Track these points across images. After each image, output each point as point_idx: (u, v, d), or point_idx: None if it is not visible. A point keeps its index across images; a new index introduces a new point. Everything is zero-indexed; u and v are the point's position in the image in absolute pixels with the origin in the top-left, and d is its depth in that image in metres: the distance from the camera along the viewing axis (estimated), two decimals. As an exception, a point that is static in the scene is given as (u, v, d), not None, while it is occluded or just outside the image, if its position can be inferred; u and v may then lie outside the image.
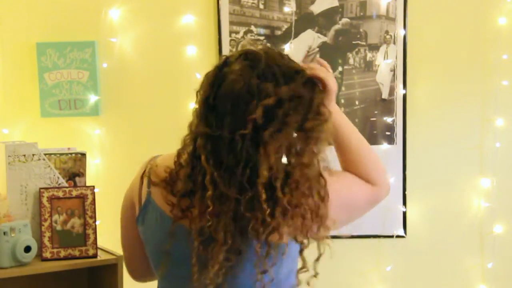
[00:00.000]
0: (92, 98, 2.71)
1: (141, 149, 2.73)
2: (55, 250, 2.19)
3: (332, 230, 1.44)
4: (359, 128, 2.71)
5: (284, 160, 1.41)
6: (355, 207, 1.56)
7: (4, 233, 2.07)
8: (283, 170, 1.38)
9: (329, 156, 1.45)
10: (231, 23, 2.73)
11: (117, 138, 2.76)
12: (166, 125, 2.75)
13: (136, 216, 1.54)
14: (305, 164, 1.40)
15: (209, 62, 2.70)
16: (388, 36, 2.74)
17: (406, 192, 2.77)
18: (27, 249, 2.09)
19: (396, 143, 2.76)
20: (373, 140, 2.75)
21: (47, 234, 2.19)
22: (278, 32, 2.74)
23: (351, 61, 2.76)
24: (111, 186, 2.62)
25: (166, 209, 1.46)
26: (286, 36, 2.74)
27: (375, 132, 2.76)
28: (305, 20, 2.74)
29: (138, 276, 1.69)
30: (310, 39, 2.75)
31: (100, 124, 2.75)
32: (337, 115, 1.52)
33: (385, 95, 2.76)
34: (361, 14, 2.74)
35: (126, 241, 1.65)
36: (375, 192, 1.57)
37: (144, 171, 1.54)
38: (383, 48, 2.75)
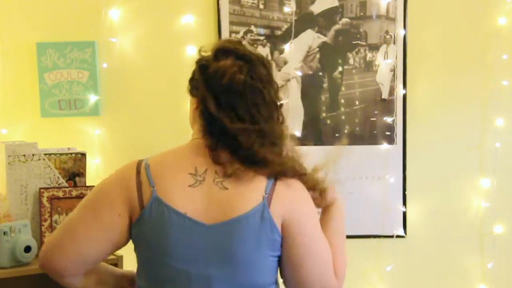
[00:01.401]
0: (92, 98, 2.71)
1: (141, 149, 2.71)
2: (55, 250, 2.18)
3: None
4: (359, 128, 2.74)
5: None
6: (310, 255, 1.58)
7: (4, 233, 2.07)
8: None
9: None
10: (231, 23, 2.73)
11: (117, 138, 2.76)
12: (166, 125, 2.75)
13: (135, 215, 1.53)
14: None
15: (209, 62, 2.73)
16: (388, 36, 2.75)
17: (406, 192, 2.77)
18: (27, 249, 2.10)
19: (396, 143, 2.76)
20: (373, 140, 2.76)
21: (47, 234, 2.19)
22: (278, 32, 2.75)
23: (351, 61, 2.76)
24: (111, 186, 2.62)
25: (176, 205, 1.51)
26: (286, 36, 2.74)
27: (375, 132, 2.76)
28: (305, 20, 2.74)
29: (68, 274, 1.59)
30: (310, 39, 2.75)
31: (100, 124, 2.74)
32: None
33: (385, 95, 2.76)
34: (361, 14, 2.74)
35: (90, 232, 1.55)
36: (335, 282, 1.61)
37: (138, 171, 1.55)
38: (383, 48, 2.75)
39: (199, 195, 1.51)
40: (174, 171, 1.54)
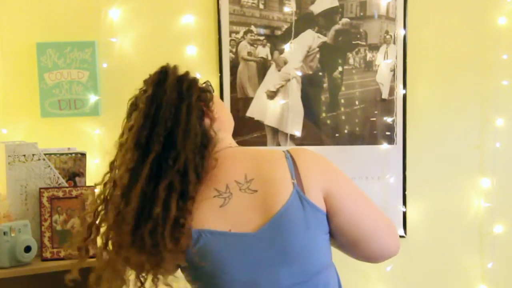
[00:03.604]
0: (92, 98, 2.71)
1: (141, 149, 2.72)
2: (55, 250, 2.19)
3: None
4: (359, 128, 2.74)
5: None
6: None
7: (4, 233, 2.07)
8: None
9: None
10: (231, 23, 2.73)
11: (117, 138, 2.76)
12: (166, 125, 2.75)
13: None
14: None
15: (209, 62, 2.73)
16: (388, 36, 2.75)
17: (406, 192, 2.77)
18: (27, 249, 2.10)
19: (396, 143, 2.76)
20: (373, 140, 2.75)
21: (47, 234, 2.19)
22: (278, 32, 2.75)
23: (351, 61, 2.76)
24: (111, 186, 2.61)
25: None
26: (286, 36, 2.74)
27: (375, 132, 2.76)
28: (305, 20, 2.74)
29: None
30: (310, 39, 2.75)
31: (100, 124, 2.74)
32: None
33: (385, 95, 2.76)
34: (361, 14, 2.74)
35: None
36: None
37: None
38: (383, 48, 2.75)
39: (233, 209, 1.50)
40: (199, 201, 1.51)
